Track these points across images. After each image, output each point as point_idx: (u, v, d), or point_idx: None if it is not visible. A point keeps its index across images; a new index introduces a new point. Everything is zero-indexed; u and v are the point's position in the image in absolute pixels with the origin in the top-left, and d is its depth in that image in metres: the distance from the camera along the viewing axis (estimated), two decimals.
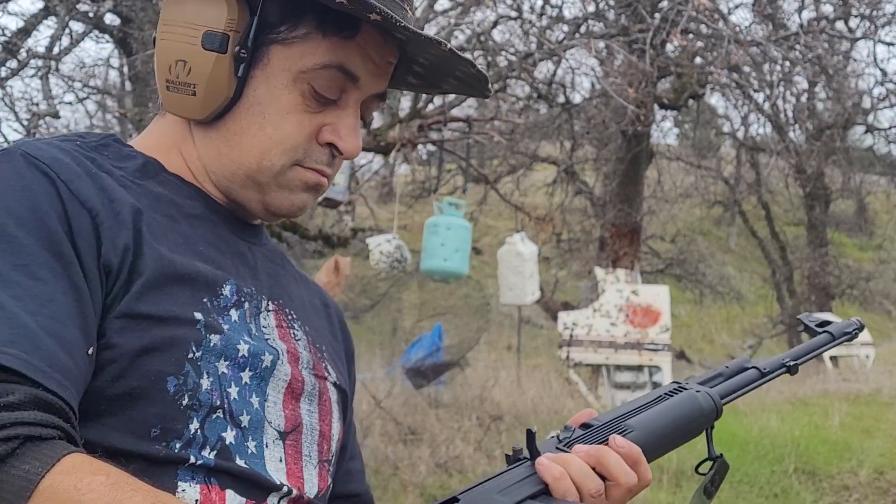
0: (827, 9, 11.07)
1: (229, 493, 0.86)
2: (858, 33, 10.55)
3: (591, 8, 8.97)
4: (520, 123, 9.11)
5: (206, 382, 0.86)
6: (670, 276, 15.99)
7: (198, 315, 0.87)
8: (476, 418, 6.92)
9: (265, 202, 0.98)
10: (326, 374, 1.02)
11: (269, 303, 0.98)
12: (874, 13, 9.84)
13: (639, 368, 9.50)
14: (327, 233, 8.39)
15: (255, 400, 0.90)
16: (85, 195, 0.85)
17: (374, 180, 15.28)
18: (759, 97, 10.75)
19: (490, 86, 1.05)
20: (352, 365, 1.15)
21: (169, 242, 0.90)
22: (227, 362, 0.88)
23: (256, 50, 0.95)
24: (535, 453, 0.89)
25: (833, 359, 12.27)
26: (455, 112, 7.53)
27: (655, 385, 9.60)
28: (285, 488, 0.91)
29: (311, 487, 0.95)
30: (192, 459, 0.85)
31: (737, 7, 10.63)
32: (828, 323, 1.24)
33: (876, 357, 12.77)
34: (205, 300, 0.89)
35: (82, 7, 7.32)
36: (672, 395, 1.02)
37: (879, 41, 9.28)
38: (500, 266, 8.73)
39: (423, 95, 8.44)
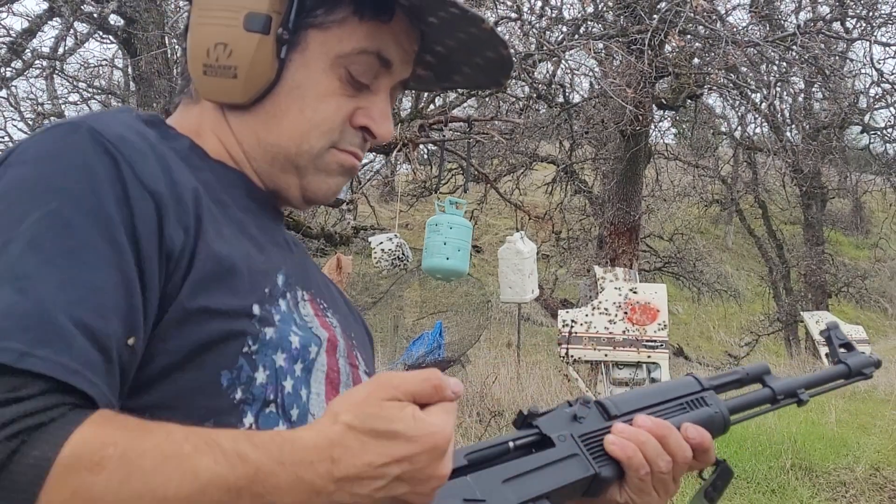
0: (824, 10, 11.12)
1: None
2: (855, 34, 10.60)
3: (591, 9, 9.02)
4: (520, 123, 9.17)
5: (261, 376, 0.84)
6: (668, 275, 16.03)
7: (255, 308, 0.85)
8: (476, 414, 6.96)
9: (303, 186, 0.98)
10: (358, 363, 1.00)
11: (304, 292, 0.96)
12: (870, 14, 9.90)
13: (637, 365, 9.54)
14: (329, 231, 8.44)
15: (303, 393, 0.88)
16: (149, 177, 0.81)
17: (376, 179, 15.31)
18: (757, 97, 10.82)
19: (512, 70, 1.06)
20: (374, 352, 1.14)
21: (225, 231, 0.88)
22: (284, 354, 0.86)
23: (295, 34, 0.94)
24: (546, 435, 0.91)
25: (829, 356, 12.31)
26: (456, 112, 7.59)
27: (654, 381, 9.65)
28: None
29: None
30: None
31: (734, 8, 10.68)
32: (851, 347, 1.25)
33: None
34: (265, 290, 0.88)
35: (87, 8, 7.36)
36: (693, 408, 1.03)
37: (876, 42, 9.34)
38: (500, 264, 8.76)
39: (425, 95, 8.48)
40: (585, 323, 9.45)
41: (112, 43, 9.20)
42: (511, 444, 0.88)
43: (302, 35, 0.95)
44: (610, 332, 9.48)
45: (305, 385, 0.89)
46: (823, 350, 12.95)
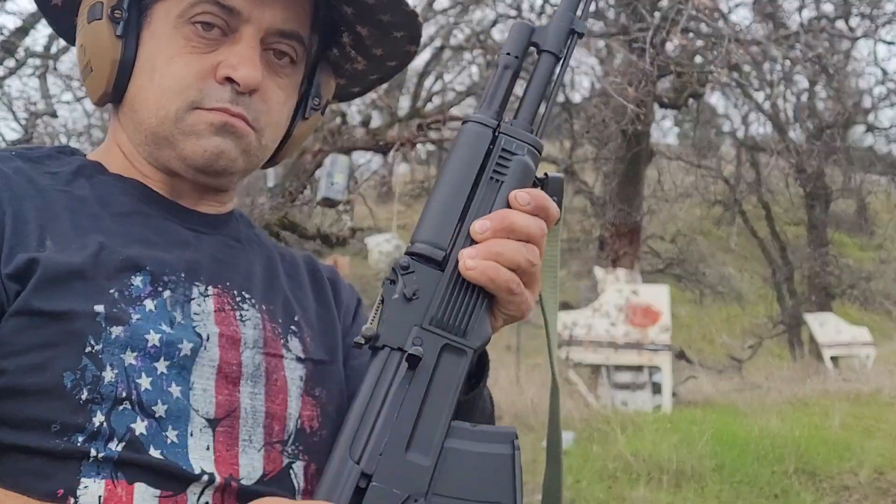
0: (827, 8, 11.05)
1: (139, 486, 0.84)
2: (859, 32, 10.53)
3: (591, 7, 8.96)
4: None
5: (108, 374, 0.85)
6: (670, 276, 15.97)
7: (98, 308, 0.87)
8: None
9: (180, 156, 0.97)
10: (284, 352, 0.99)
11: (208, 287, 0.96)
12: (874, 12, 9.82)
13: (638, 368, 9.48)
14: (326, 232, 8.38)
15: (175, 389, 0.88)
16: None
17: (373, 180, 15.24)
18: (760, 96, 10.75)
19: (419, 24, 1.06)
20: (354, 319, 1.12)
21: (77, 242, 0.91)
22: (135, 353, 0.87)
23: (141, 14, 0.98)
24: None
25: (833, 359, 12.26)
26: (454, 111, 7.51)
27: (655, 385, 9.59)
28: (206, 477, 0.88)
29: (251, 472, 0.92)
30: (94, 452, 0.83)
31: (737, 6, 10.61)
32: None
33: (876, 357, 12.76)
34: (112, 292, 0.89)
35: None
36: (501, 172, 0.89)
37: (880, 40, 9.27)
38: None
39: (423, 94, 8.42)
40: (586, 325, 9.39)
41: None
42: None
43: (147, 13, 0.98)
44: (611, 336, 9.42)
45: (179, 381, 0.89)
46: (828, 353, 12.89)
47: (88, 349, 0.85)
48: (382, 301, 0.85)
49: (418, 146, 7.68)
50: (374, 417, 0.82)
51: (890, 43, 9.63)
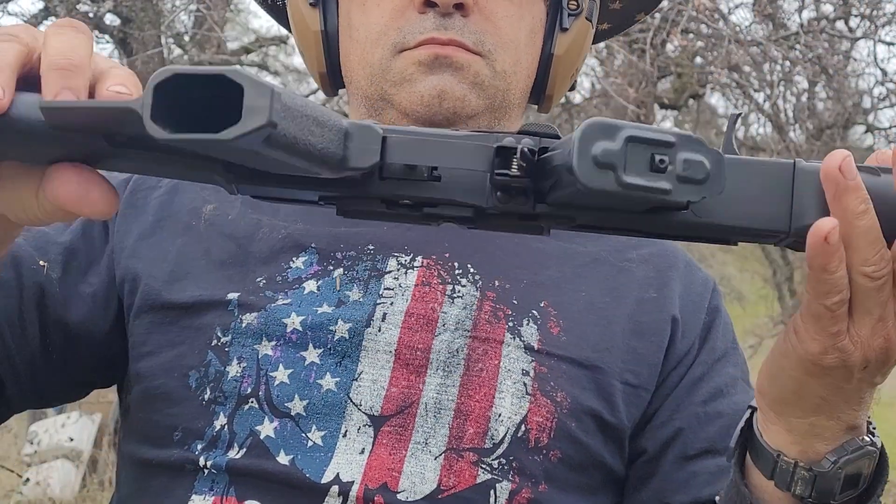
0: (827, 8, 11.07)
1: None
2: (859, 33, 10.55)
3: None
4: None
5: (234, 369, 0.75)
6: None
7: (232, 295, 0.77)
8: None
9: (400, 111, 0.81)
10: (507, 337, 0.78)
11: (416, 258, 0.80)
12: (874, 13, 9.84)
13: None
14: None
15: (328, 381, 0.75)
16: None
17: None
18: (760, 97, 10.77)
19: None
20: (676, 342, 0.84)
21: (230, 226, 0.82)
22: (271, 342, 0.75)
23: None
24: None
25: None
26: None
27: None
28: (336, 488, 0.72)
29: (417, 484, 0.73)
30: (210, 462, 0.73)
31: (737, 7, 10.62)
32: None
33: None
34: (258, 280, 0.78)
35: (82, 7, 7.35)
36: None
37: (880, 41, 9.30)
38: None
39: None
40: None
41: (108, 42, 9.17)
42: None
43: None
44: None
45: (337, 371, 0.75)
46: None
47: (214, 342, 0.75)
48: None
49: None
50: None
51: (890, 43, 9.67)
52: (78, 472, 5.45)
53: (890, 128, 12.94)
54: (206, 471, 0.73)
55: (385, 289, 0.78)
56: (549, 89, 0.88)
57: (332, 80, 0.88)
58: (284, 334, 0.76)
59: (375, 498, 0.72)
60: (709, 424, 0.82)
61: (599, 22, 0.92)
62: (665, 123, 13.49)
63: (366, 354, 0.76)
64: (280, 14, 0.96)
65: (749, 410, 0.67)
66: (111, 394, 5.53)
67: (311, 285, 0.78)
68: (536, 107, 0.93)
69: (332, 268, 0.79)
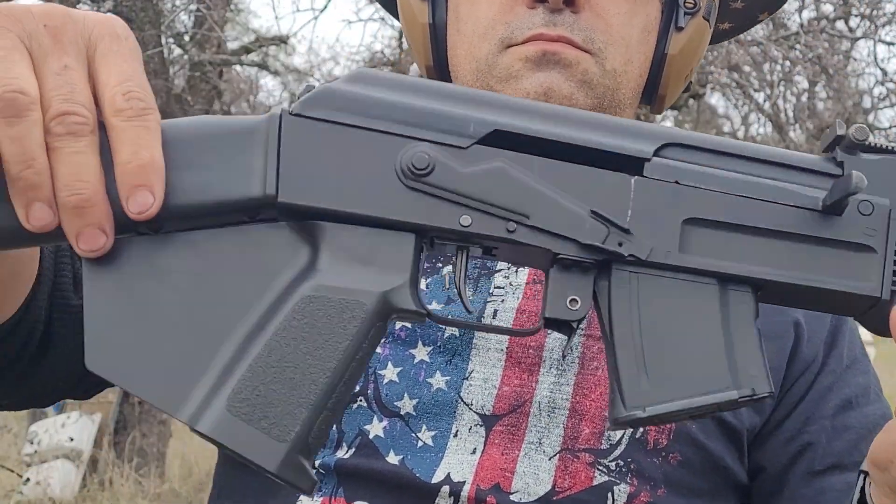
0: (827, 8, 11.07)
1: None
2: (859, 33, 10.55)
3: None
4: None
5: None
6: None
7: None
8: None
9: None
10: None
11: None
12: (874, 13, 9.84)
13: None
14: None
15: (439, 379, 0.73)
16: None
17: None
18: (760, 97, 10.77)
19: None
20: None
21: None
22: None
23: None
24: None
25: None
26: None
27: None
28: (446, 488, 0.70)
29: (531, 485, 0.71)
30: (319, 462, 0.71)
31: None
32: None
33: (876, 356, 12.77)
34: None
35: (83, 8, 7.35)
36: None
37: (880, 41, 9.30)
38: None
39: None
40: None
41: None
42: None
43: None
44: None
45: (447, 370, 0.73)
46: None
47: None
48: None
49: None
50: None
51: (890, 43, 9.67)
52: (78, 472, 5.46)
53: (890, 128, 12.93)
54: (314, 469, 0.72)
55: (495, 287, 0.77)
56: (661, 89, 0.85)
57: (440, 73, 0.85)
58: (393, 331, 0.74)
59: (488, 499, 0.70)
60: (836, 438, 0.78)
61: (720, 21, 0.89)
62: (665, 123, 13.48)
63: (476, 353, 0.74)
64: (391, 5, 0.94)
65: (861, 477, 0.61)
66: (111, 394, 5.52)
67: (420, 282, 0.75)
68: (648, 107, 0.90)
69: (440, 265, 0.77)
